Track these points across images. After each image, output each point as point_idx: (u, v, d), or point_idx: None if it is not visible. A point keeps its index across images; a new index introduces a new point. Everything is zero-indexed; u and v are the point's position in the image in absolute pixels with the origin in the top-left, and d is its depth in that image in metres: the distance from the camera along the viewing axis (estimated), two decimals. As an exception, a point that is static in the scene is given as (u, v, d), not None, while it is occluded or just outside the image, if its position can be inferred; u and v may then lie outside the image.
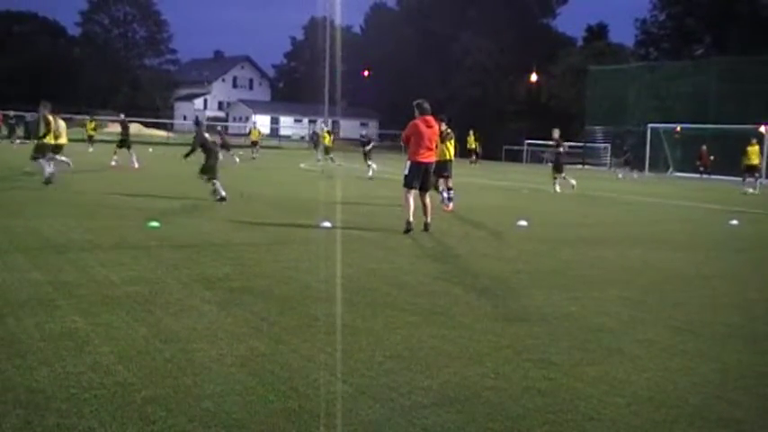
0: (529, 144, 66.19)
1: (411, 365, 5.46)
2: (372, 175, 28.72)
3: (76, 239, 10.58)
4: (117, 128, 68.90)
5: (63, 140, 21.65)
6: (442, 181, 17.24)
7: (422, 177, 13.27)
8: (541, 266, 10.31)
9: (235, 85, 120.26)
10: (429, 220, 13.21)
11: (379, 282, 8.55)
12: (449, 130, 17.25)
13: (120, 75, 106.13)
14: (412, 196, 13.11)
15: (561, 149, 26.88)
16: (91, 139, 43.14)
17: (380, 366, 5.40)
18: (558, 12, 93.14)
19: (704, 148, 46.69)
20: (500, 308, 7.55)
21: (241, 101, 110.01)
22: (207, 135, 17.72)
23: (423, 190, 13.29)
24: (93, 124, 45.68)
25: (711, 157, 45.99)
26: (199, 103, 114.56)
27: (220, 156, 18.46)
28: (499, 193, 26.50)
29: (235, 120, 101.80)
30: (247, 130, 39.70)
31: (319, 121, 60.32)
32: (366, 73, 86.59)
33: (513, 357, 5.78)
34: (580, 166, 52.44)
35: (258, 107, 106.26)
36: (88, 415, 4.21)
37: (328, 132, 39.29)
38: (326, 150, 36.38)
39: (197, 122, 19.05)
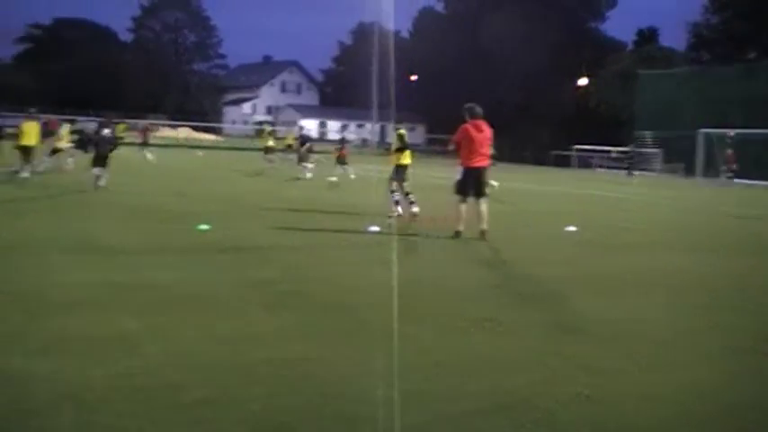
0: (577, 149, 65.55)
1: (459, 371, 5.45)
2: (310, 177, 27.85)
3: (127, 242, 10.74)
4: (166, 132, 69.90)
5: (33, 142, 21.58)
6: (402, 185, 16.35)
7: (475, 183, 12.96)
8: (591, 272, 10.22)
9: (283, 90, 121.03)
10: (485, 227, 12.81)
11: (427, 287, 8.54)
12: None
13: (169, 80, 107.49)
14: (464, 203, 12.95)
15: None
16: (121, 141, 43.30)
17: (428, 372, 5.39)
18: (608, 15, 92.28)
19: (730, 152, 46.00)
20: (549, 314, 7.49)
21: (289, 105, 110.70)
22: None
23: (477, 196, 12.98)
24: (123, 126, 45.89)
25: (735, 164, 45.39)
26: (247, 107, 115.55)
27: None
28: (547, 198, 26.28)
29: (283, 124, 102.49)
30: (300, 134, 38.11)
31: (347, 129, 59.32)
32: (413, 77, 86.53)
33: (563, 364, 5.73)
34: (636, 173, 51.69)
35: (306, 111, 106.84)
36: (141, 415, 4.28)
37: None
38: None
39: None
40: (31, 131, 21.59)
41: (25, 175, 20.46)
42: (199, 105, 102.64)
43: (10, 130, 27.52)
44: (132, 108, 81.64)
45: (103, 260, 9.16)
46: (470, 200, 12.93)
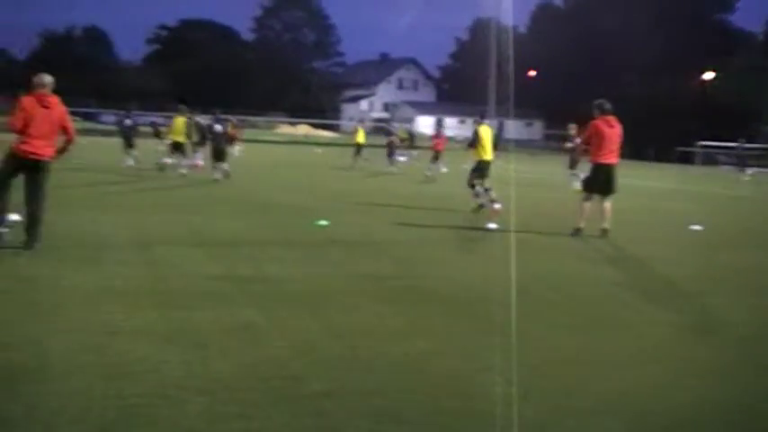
0: (702, 146, 63.37)
1: (579, 370, 5.38)
2: (396, 171, 27.88)
3: (249, 236, 11.04)
4: (286, 129, 71.31)
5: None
6: (483, 181, 16.10)
7: (604, 180, 12.69)
8: (718, 272, 9.89)
9: (400, 87, 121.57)
10: (607, 225, 12.57)
11: (545, 285, 8.45)
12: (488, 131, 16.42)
13: (289, 78, 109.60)
14: (589, 200, 12.71)
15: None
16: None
17: (547, 369, 5.35)
18: (737, 6, 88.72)
19: None
20: (672, 313, 7.30)
21: (406, 102, 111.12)
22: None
23: (603, 194, 12.71)
24: (231, 123, 46.71)
25: None
26: (365, 104, 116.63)
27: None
28: (670, 195, 25.54)
29: (400, 121, 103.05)
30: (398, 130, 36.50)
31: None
32: (531, 73, 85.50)
33: (688, 365, 5.59)
34: (751, 170, 49.60)
35: (423, 108, 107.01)
36: (266, 406, 4.40)
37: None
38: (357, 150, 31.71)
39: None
40: (180, 126, 23.14)
41: (183, 171, 22.08)
42: (318, 103, 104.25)
43: (143, 128, 28.75)
44: (254, 106, 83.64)
45: (227, 254, 9.45)
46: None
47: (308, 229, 12.10)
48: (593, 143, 12.67)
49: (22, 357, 5.03)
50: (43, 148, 9.09)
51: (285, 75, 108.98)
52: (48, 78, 9.26)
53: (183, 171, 22.01)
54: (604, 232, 12.48)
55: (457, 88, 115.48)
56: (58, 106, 9.30)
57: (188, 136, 23.64)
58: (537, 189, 22.97)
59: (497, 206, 15.29)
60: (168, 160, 23.35)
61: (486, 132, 16.29)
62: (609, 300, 7.80)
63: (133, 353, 5.25)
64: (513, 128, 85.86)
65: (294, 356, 5.36)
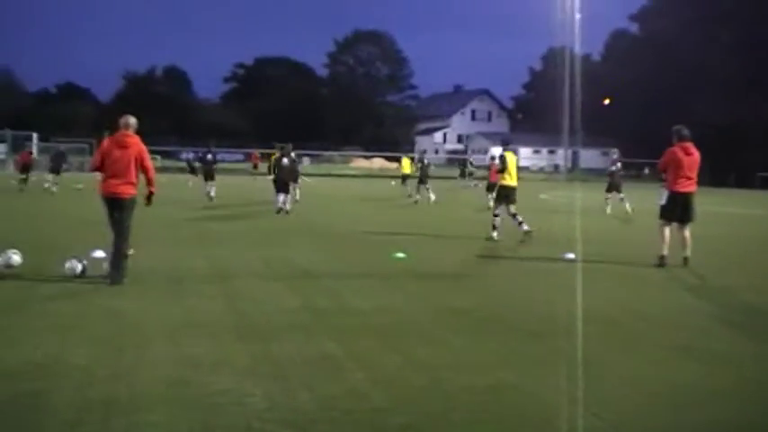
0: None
1: (669, 402, 5.23)
2: (419, 199, 27.81)
3: (327, 268, 11.09)
4: (360, 162, 71.92)
5: None
6: (509, 207, 16.02)
7: (681, 208, 12.41)
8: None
9: (474, 118, 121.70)
10: (689, 253, 12.27)
11: (629, 315, 8.27)
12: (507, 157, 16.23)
13: (363, 112, 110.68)
14: (668, 228, 12.41)
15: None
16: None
17: (634, 402, 5.21)
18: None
19: None
20: (765, 345, 7.05)
21: (480, 133, 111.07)
22: None
23: (683, 221, 12.42)
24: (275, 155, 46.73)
25: None
26: (438, 136, 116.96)
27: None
28: (754, 222, 24.81)
29: (474, 152, 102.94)
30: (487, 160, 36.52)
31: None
32: (606, 101, 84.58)
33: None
34: None
35: (496, 139, 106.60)
36: (347, 438, 4.39)
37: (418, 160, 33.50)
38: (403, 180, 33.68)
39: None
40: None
41: (282, 205, 22.34)
42: (392, 136, 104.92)
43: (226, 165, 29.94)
44: (329, 140, 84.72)
45: (305, 286, 9.51)
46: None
47: (385, 261, 12.11)
48: (670, 170, 12.43)
49: (112, 390, 5.13)
50: (120, 186, 9.45)
51: (359, 109, 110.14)
52: (131, 120, 9.76)
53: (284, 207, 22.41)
54: (686, 261, 12.18)
55: (530, 118, 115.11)
56: (135, 146, 9.65)
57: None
58: (611, 218, 22.60)
59: (526, 227, 15.48)
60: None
61: (512, 159, 16.27)
62: (699, 331, 7.58)
63: (216, 385, 5.31)
64: (589, 157, 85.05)
65: (375, 389, 5.33)
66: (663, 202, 12.58)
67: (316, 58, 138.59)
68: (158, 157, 52.80)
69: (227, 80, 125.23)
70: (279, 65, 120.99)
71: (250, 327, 7.14)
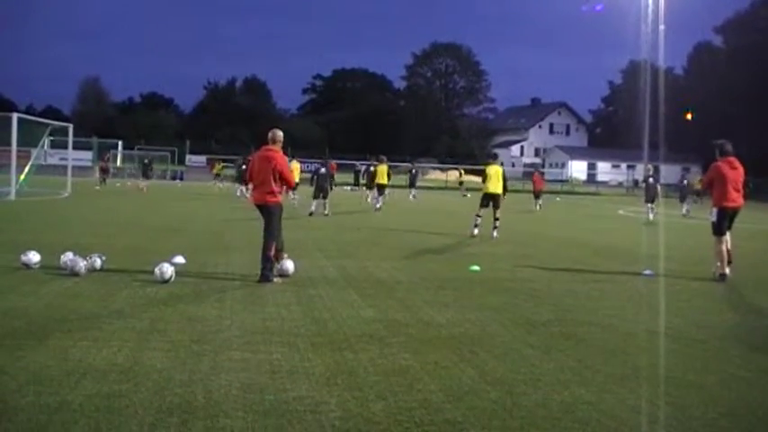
0: None
1: (750, 425, 5.07)
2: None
3: (403, 279, 11.10)
4: (436, 175, 71.91)
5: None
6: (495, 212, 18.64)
7: (730, 222, 12.51)
8: None
9: (551, 132, 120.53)
10: (730, 263, 12.41)
11: (708, 333, 8.05)
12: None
13: (440, 124, 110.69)
14: (724, 243, 12.33)
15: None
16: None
17: (715, 425, 5.06)
18: None
19: None
20: None
21: (557, 147, 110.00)
22: None
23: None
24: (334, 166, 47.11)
25: None
26: (515, 149, 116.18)
27: None
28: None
29: (551, 166, 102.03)
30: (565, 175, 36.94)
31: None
32: (688, 116, 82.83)
33: None
34: None
35: (574, 153, 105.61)
36: (421, 449, 4.37)
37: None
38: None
39: None
40: (382, 172, 30.18)
41: (378, 205, 29.07)
42: (468, 148, 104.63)
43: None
44: (405, 152, 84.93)
45: (380, 296, 9.53)
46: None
47: (461, 273, 12.07)
48: (717, 186, 12.37)
49: (190, 394, 5.22)
50: (263, 195, 10.51)
51: (436, 121, 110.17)
52: (277, 135, 10.78)
53: (378, 206, 29.00)
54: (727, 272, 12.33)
55: (609, 132, 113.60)
56: (275, 159, 10.51)
57: (389, 179, 30.95)
58: (690, 234, 22.09)
59: (496, 234, 18.13)
60: (375, 201, 29.86)
61: (494, 171, 18.73)
62: (781, 352, 7.35)
63: (292, 392, 5.36)
64: (670, 172, 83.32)
65: (449, 402, 5.31)
66: (713, 218, 12.44)
67: (393, 71, 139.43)
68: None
69: (305, 91, 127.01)
70: (357, 77, 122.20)
71: (326, 336, 7.19)
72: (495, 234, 18.19)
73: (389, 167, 31.76)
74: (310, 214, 23.60)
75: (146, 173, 41.84)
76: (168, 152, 67.19)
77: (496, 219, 18.56)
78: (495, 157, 20.27)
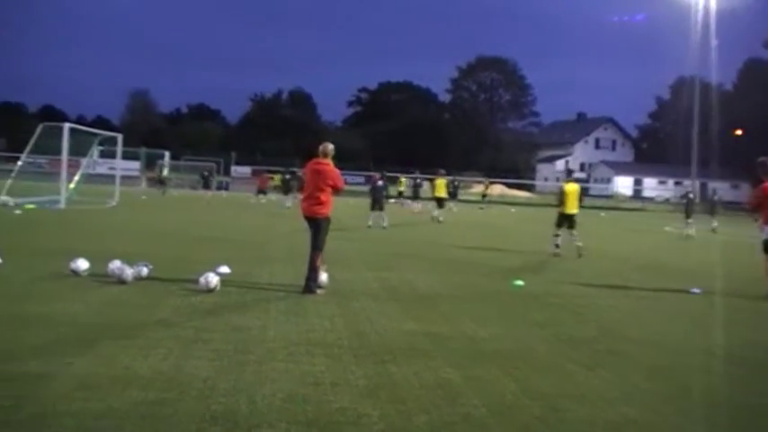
0: None
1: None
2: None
3: (445, 293, 11.07)
4: (480, 188, 71.87)
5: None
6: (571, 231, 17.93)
7: None
8: None
9: (597, 147, 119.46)
10: None
11: (760, 353, 7.92)
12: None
13: (484, 137, 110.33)
14: None
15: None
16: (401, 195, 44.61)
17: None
18: None
19: None
20: None
21: (603, 162, 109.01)
22: None
23: None
24: (403, 180, 47.26)
25: None
26: (560, 164, 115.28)
27: None
28: None
29: (596, 181, 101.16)
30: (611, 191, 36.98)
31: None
32: (738, 132, 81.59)
33: None
34: None
35: (620, 168, 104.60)
36: (463, 464, 4.35)
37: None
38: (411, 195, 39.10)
39: None
40: (441, 186, 31.27)
41: (438, 216, 29.43)
42: (512, 162, 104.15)
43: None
44: (449, 166, 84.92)
45: (422, 309, 9.51)
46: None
47: (504, 287, 12.00)
48: (765, 206, 12.15)
49: (233, 403, 5.26)
50: (311, 207, 10.61)
51: (480, 134, 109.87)
52: (328, 148, 10.82)
53: (441, 219, 29.18)
54: None
55: (656, 148, 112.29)
56: (325, 172, 10.61)
57: (449, 193, 32.40)
58: (731, 251, 21.73)
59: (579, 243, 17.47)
60: (436, 213, 29.80)
61: (571, 189, 17.98)
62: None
63: (334, 404, 5.37)
64: (719, 189, 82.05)
65: (492, 416, 5.28)
66: (765, 236, 12.23)
67: (438, 84, 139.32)
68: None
69: (350, 104, 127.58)
70: (402, 90, 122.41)
71: (368, 348, 7.19)
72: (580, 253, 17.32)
73: (448, 181, 32.84)
74: (368, 227, 23.72)
75: (207, 184, 44.78)
76: (214, 163, 67.89)
77: (574, 236, 17.79)
78: (570, 174, 19.46)
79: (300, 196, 12.03)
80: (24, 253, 12.78)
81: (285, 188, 37.01)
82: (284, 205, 32.96)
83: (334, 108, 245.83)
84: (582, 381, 6.40)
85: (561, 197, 18.03)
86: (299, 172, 34.84)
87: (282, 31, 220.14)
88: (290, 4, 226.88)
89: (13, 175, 28.54)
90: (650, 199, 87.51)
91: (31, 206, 25.18)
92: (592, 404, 5.71)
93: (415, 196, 38.12)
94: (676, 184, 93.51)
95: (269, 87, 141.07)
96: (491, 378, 6.31)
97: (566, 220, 17.91)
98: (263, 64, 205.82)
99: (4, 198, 25.70)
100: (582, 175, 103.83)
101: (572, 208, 17.86)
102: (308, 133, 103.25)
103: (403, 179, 46.33)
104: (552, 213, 19.36)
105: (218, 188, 56.68)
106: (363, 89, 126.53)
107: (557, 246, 17.65)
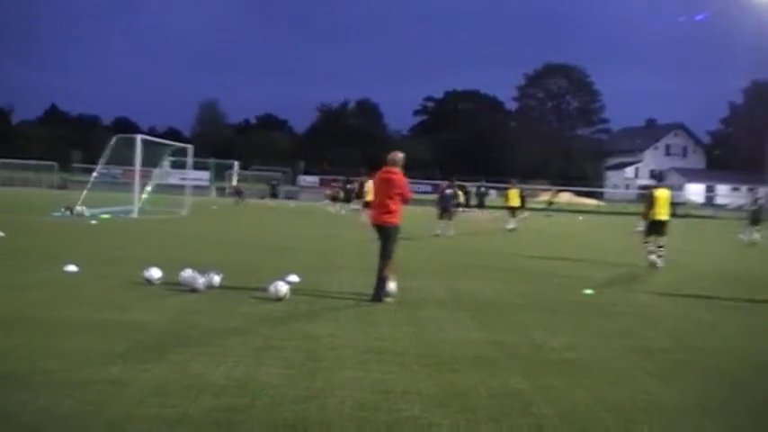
0: None
1: None
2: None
3: (513, 302, 10.99)
4: (547, 197, 71.21)
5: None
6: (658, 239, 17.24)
7: None
8: None
9: (667, 153, 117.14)
10: None
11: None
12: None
13: (552, 145, 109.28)
14: None
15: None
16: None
17: None
18: None
19: None
20: None
21: (674, 169, 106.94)
22: None
23: None
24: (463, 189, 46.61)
25: None
26: (630, 171, 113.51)
27: None
28: None
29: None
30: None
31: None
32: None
33: None
34: None
35: (692, 175, 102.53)
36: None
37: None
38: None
39: None
40: (514, 195, 31.25)
41: (512, 226, 29.40)
42: (580, 170, 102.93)
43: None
44: (517, 174, 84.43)
45: (490, 318, 9.46)
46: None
47: (574, 296, 11.86)
48: None
49: (304, 411, 5.31)
50: (380, 216, 10.63)
51: (547, 142, 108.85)
52: (398, 156, 10.84)
53: (514, 226, 29.51)
54: None
55: (729, 155, 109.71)
56: (394, 180, 10.61)
57: (522, 202, 32.62)
58: None
59: (658, 262, 16.70)
60: (510, 225, 29.77)
61: (662, 195, 17.32)
62: None
63: (404, 412, 5.37)
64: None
65: (564, 427, 5.22)
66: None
67: (505, 92, 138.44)
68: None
69: (416, 113, 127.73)
70: (468, 98, 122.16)
71: (437, 357, 7.17)
72: (659, 263, 16.69)
73: (521, 190, 33.24)
74: (436, 235, 23.87)
75: (274, 193, 47.61)
76: (282, 172, 68.65)
77: (660, 246, 17.06)
78: (660, 179, 19.10)
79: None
80: (100, 262, 13.12)
81: (346, 196, 38.68)
82: (340, 213, 33.66)
83: (400, 117, 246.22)
84: (656, 392, 6.27)
85: (650, 202, 17.20)
86: (356, 182, 36.12)
87: (349, 43, 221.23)
88: (357, 19, 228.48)
89: (88, 185, 29.33)
90: (723, 206, 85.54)
91: (106, 216, 25.83)
92: (668, 416, 5.59)
93: (481, 205, 37.97)
94: (750, 190, 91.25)
95: (335, 98, 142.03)
96: (562, 388, 6.23)
97: (655, 228, 17.08)
98: (330, 75, 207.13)
99: (80, 208, 26.41)
100: (652, 183, 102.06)
101: (662, 214, 17.06)
102: (374, 142, 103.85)
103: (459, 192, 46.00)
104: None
105: (287, 197, 57.38)
106: (429, 98, 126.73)
107: (654, 254, 16.92)
